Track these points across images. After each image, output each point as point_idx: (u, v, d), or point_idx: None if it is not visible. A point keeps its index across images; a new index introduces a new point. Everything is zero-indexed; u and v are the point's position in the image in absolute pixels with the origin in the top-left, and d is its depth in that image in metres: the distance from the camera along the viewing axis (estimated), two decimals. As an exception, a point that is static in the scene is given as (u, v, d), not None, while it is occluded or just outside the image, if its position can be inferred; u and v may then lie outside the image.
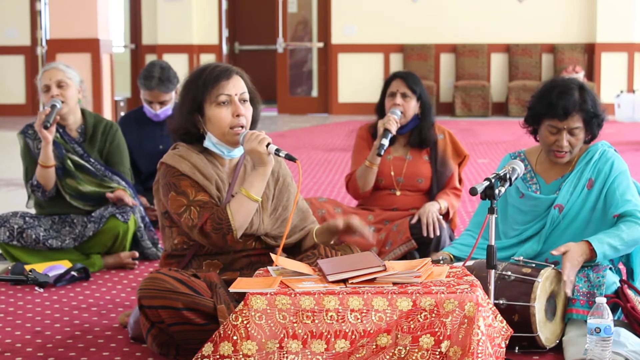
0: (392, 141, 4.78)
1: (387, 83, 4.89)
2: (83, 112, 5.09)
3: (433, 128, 4.88)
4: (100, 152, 5.06)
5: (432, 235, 4.59)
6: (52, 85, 4.94)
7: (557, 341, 3.50)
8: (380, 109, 4.92)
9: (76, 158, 4.97)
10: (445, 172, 4.85)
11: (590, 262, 3.54)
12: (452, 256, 3.87)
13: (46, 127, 4.74)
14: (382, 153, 4.68)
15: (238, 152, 3.53)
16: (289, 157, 3.40)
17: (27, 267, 4.65)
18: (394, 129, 4.70)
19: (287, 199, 3.62)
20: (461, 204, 6.76)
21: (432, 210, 4.65)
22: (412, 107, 4.81)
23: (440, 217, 4.70)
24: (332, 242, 3.64)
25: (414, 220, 4.63)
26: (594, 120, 3.72)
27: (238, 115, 3.46)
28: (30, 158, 4.99)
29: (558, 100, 3.67)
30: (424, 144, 4.85)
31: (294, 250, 3.67)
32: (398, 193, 4.83)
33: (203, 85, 3.47)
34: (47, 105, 4.87)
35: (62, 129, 5.00)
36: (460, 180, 4.92)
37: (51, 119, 4.77)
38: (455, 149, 4.92)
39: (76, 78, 5.04)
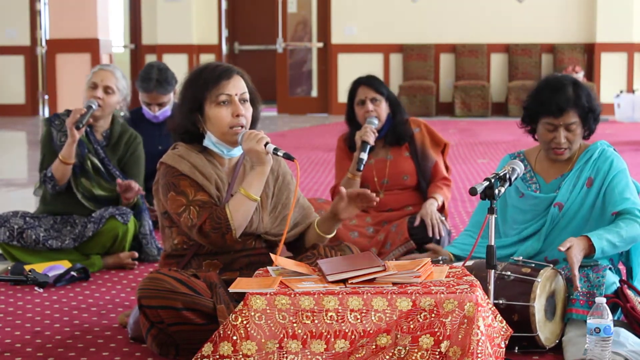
0: (372, 148, 4.75)
1: (352, 92, 4.84)
2: (113, 118, 5.09)
3: (407, 123, 4.87)
4: (119, 160, 5.06)
5: (437, 237, 4.59)
6: (99, 86, 4.96)
7: (557, 341, 3.50)
8: (351, 119, 4.89)
9: (96, 161, 4.97)
10: (428, 164, 4.84)
11: (588, 257, 3.54)
12: (452, 255, 3.87)
13: (78, 128, 4.77)
14: (362, 168, 4.66)
15: (237, 151, 3.54)
16: (287, 157, 3.40)
17: (27, 267, 4.65)
18: (371, 140, 4.68)
19: (287, 197, 3.62)
20: (461, 204, 6.76)
21: (432, 210, 4.65)
22: (384, 109, 4.79)
23: (443, 218, 4.71)
24: (332, 233, 3.64)
25: (417, 223, 4.62)
26: (589, 115, 3.72)
27: (238, 115, 3.47)
28: (50, 147, 4.99)
29: (552, 97, 3.68)
30: (401, 140, 4.84)
31: (296, 245, 3.68)
32: (381, 195, 4.81)
33: (203, 84, 3.47)
34: (85, 104, 4.88)
35: (90, 128, 5.01)
36: (447, 169, 4.92)
37: (84, 120, 4.79)
38: (433, 139, 4.91)
39: (125, 90, 5.06)
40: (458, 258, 3.87)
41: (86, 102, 4.92)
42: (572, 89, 3.70)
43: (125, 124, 5.18)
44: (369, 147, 4.67)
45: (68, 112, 4.98)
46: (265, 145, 3.39)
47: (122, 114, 5.15)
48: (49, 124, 5.03)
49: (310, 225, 3.66)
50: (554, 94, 3.68)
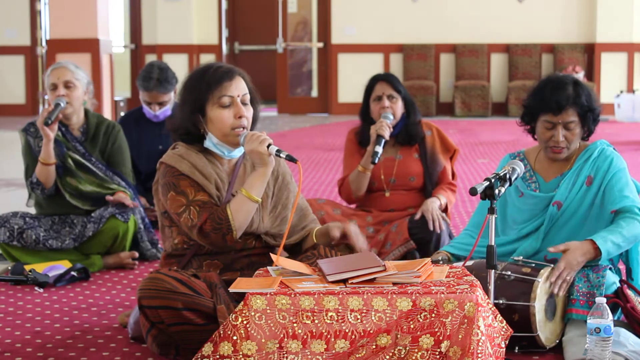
0: (384, 144, 4.76)
1: (370, 87, 4.87)
2: (86, 112, 5.10)
3: (419, 124, 4.88)
4: (102, 152, 5.06)
5: (437, 230, 4.60)
6: (59, 85, 4.95)
7: (557, 341, 3.50)
8: (365, 114, 4.91)
9: (77, 157, 4.98)
10: (436, 168, 4.85)
11: (593, 261, 3.54)
12: (449, 255, 3.87)
13: (47, 124, 4.75)
14: (377, 161, 4.66)
15: (238, 152, 3.54)
16: (290, 158, 3.40)
17: (27, 267, 4.65)
18: (387, 134, 4.69)
19: (287, 197, 3.62)
20: (461, 204, 6.76)
21: (434, 206, 4.67)
22: (400, 107, 4.82)
23: (443, 214, 4.71)
24: (332, 243, 3.65)
25: (417, 217, 4.63)
26: (588, 115, 3.72)
27: (240, 117, 3.47)
28: (30, 156, 4.99)
29: (552, 95, 3.69)
30: (412, 141, 4.85)
31: (294, 250, 3.67)
32: (387, 194, 4.82)
33: (206, 85, 3.46)
34: (52, 104, 4.88)
35: (65, 127, 5.01)
36: (453, 175, 4.93)
37: (53, 116, 4.77)
38: (444, 144, 4.92)
39: (84, 80, 5.05)
40: (457, 257, 3.87)
41: (54, 101, 4.92)
42: (572, 87, 3.71)
43: (101, 116, 5.18)
44: (384, 141, 4.69)
45: None
46: (268, 147, 3.38)
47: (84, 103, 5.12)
48: (25, 134, 5.03)
49: (309, 234, 3.65)
50: (554, 91, 3.69)
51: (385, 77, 4.87)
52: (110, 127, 5.10)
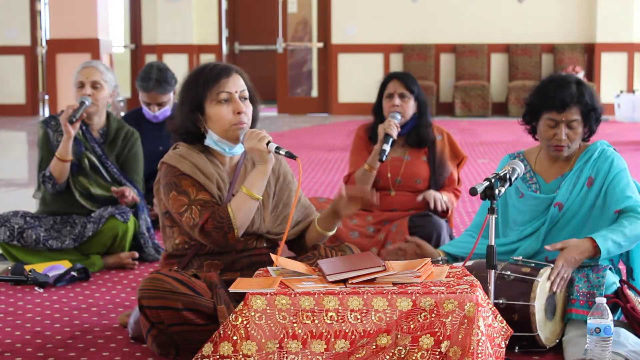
0: (392, 142, 4.78)
1: (384, 84, 4.88)
2: (108, 115, 5.11)
3: (430, 127, 4.88)
4: (117, 157, 5.07)
5: (439, 209, 4.63)
6: (86, 84, 4.97)
7: (557, 340, 3.50)
8: (377, 111, 4.92)
9: (93, 158, 4.98)
10: (443, 173, 4.85)
11: (593, 259, 3.54)
12: (441, 253, 3.87)
13: (71, 122, 4.77)
14: (384, 159, 4.67)
15: (239, 149, 3.54)
16: (289, 155, 3.40)
17: (27, 267, 4.65)
18: (394, 133, 4.69)
19: (288, 196, 3.62)
20: (461, 204, 6.76)
21: (435, 192, 4.71)
22: (411, 107, 4.81)
23: (445, 199, 4.74)
24: (333, 231, 3.64)
25: (419, 199, 4.67)
26: (591, 114, 3.72)
27: (239, 113, 3.47)
28: (47, 149, 5.00)
29: (556, 93, 3.69)
30: (422, 143, 4.85)
31: (297, 244, 3.67)
32: (393, 193, 4.83)
33: (203, 83, 3.47)
34: (77, 101, 4.90)
35: (86, 126, 5.02)
36: (458, 181, 4.93)
37: (78, 114, 4.80)
38: (453, 150, 4.92)
39: (112, 82, 5.07)
40: (454, 257, 3.87)
41: (79, 99, 4.94)
42: (576, 86, 3.71)
43: (122, 121, 5.20)
44: (391, 140, 4.69)
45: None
46: (267, 144, 3.39)
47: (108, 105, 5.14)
48: (45, 126, 5.04)
49: (311, 223, 3.66)
50: (558, 89, 3.69)
51: (399, 76, 4.87)
52: (129, 133, 5.12)
